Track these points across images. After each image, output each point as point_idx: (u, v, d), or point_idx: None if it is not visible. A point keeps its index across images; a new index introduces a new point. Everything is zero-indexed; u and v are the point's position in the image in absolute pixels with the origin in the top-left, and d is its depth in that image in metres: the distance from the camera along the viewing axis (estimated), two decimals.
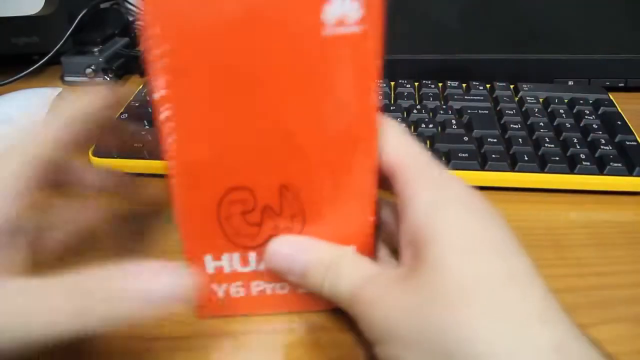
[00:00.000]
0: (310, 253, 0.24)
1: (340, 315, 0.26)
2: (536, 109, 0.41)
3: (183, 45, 0.19)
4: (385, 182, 0.25)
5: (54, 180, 0.24)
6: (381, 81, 0.45)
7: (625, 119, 0.40)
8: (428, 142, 0.38)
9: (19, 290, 0.19)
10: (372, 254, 0.25)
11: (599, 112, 0.41)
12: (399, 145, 0.23)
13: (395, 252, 0.26)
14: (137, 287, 0.19)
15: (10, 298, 0.18)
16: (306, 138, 0.21)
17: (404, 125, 0.40)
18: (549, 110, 0.41)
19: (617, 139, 0.38)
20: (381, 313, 0.20)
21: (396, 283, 0.21)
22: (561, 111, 0.41)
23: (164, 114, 0.21)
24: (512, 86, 0.45)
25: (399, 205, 0.22)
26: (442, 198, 0.21)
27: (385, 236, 0.26)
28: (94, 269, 0.19)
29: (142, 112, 0.42)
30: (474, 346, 0.17)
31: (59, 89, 0.48)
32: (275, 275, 0.25)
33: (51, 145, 0.22)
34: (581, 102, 0.42)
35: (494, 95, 0.44)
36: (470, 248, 0.19)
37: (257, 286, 0.26)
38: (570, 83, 0.48)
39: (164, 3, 0.19)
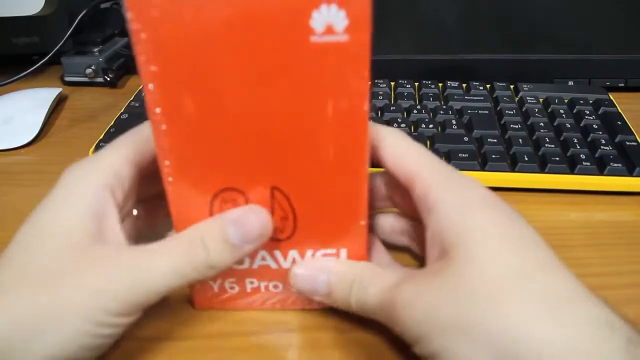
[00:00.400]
0: (332, 272, 0.24)
1: (335, 315, 0.26)
2: (536, 109, 0.41)
3: (170, 50, 0.19)
4: (396, 192, 0.27)
5: None
6: (381, 81, 0.45)
7: (625, 119, 0.40)
8: (428, 142, 0.38)
9: (131, 256, 0.22)
10: (364, 257, 0.25)
11: (599, 112, 0.41)
12: (410, 154, 0.24)
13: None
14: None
15: (124, 264, 0.22)
16: (295, 142, 0.22)
17: (405, 130, 0.40)
18: (549, 110, 0.41)
19: (617, 139, 0.38)
20: (420, 311, 0.21)
21: (429, 281, 0.21)
22: (561, 111, 0.41)
23: (155, 116, 0.21)
24: (512, 86, 0.45)
25: (421, 210, 0.24)
26: (468, 199, 0.22)
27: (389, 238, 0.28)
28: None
29: (142, 112, 0.42)
30: (515, 330, 0.18)
31: (59, 89, 0.48)
32: (267, 274, 0.25)
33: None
34: (581, 102, 0.42)
35: (494, 96, 0.44)
36: (501, 243, 0.21)
37: (250, 283, 0.26)
38: (570, 83, 0.48)
39: (149, 9, 0.19)
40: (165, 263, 0.22)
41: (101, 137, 0.39)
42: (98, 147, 0.38)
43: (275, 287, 0.26)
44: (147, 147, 0.24)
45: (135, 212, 0.26)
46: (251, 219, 0.23)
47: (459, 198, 0.22)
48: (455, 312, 0.20)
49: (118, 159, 0.24)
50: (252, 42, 0.19)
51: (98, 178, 0.23)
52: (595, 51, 0.48)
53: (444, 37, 0.48)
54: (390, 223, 0.29)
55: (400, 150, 0.25)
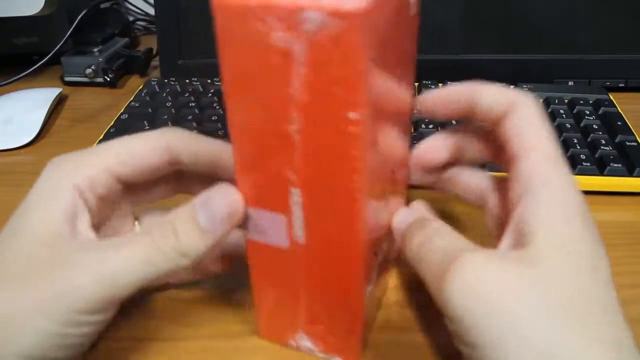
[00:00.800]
0: (414, 215, 0.24)
1: None
2: None
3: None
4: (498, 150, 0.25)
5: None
6: None
7: (626, 119, 0.40)
8: None
9: (98, 251, 0.21)
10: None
11: (599, 113, 0.41)
12: (535, 129, 0.22)
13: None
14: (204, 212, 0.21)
15: (92, 260, 0.21)
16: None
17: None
18: (549, 110, 0.41)
19: (617, 140, 0.38)
20: (487, 288, 0.19)
21: (508, 265, 0.20)
22: (561, 111, 0.41)
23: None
24: (512, 86, 0.45)
25: (513, 187, 0.22)
26: (571, 202, 0.21)
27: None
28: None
29: (142, 112, 0.42)
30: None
31: (59, 89, 0.48)
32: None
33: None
34: (581, 102, 0.42)
35: None
36: (588, 268, 0.19)
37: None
38: (570, 83, 0.48)
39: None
40: (133, 253, 0.21)
41: (101, 137, 0.39)
42: None
43: None
44: (134, 161, 0.24)
45: (137, 227, 0.26)
46: (218, 197, 0.22)
47: (562, 195, 0.21)
48: (517, 315, 0.18)
49: (95, 165, 0.23)
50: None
51: (70, 180, 0.23)
52: (595, 51, 0.48)
53: (444, 37, 0.48)
54: (468, 179, 0.27)
55: (529, 120, 0.22)
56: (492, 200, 0.25)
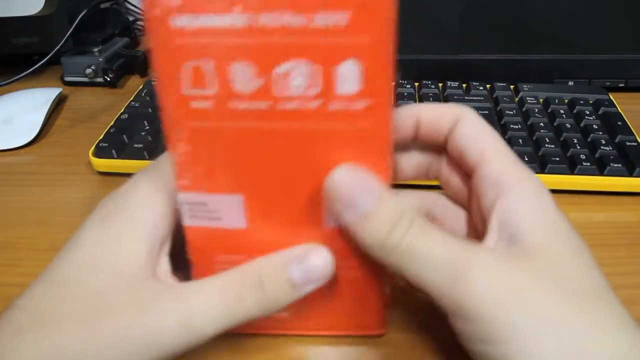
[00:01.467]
0: (382, 192, 0.21)
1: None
2: (536, 110, 0.41)
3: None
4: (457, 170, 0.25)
5: None
6: None
7: (626, 120, 0.40)
8: None
9: (181, 297, 0.21)
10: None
11: (599, 113, 0.41)
12: (488, 136, 0.23)
13: None
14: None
15: (173, 302, 0.20)
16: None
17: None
18: (549, 110, 0.41)
19: (617, 140, 0.38)
20: (508, 287, 0.19)
21: (512, 262, 0.20)
22: (561, 111, 0.41)
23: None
24: (512, 86, 0.45)
25: (486, 191, 0.22)
26: (544, 196, 0.22)
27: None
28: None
29: (142, 112, 0.42)
30: (589, 344, 0.18)
31: (59, 89, 0.48)
32: None
33: None
34: (581, 102, 0.42)
35: (494, 96, 0.44)
36: (577, 251, 0.21)
37: None
38: (571, 83, 0.48)
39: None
40: (214, 306, 0.20)
41: (101, 137, 0.39)
42: (98, 147, 0.38)
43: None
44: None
45: None
46: (315, 256, 0.21)
47: (535, 190, 0.22)
48: (543, 306, 0.19)
49: (168, 187, 0.22)
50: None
51: (159, 205, 0.22)
52: (595, 51, 0.48)
53: (444, 37, 0.48)
54: (411, 202, 0.26)
55: (479, 128, 0.23)
56: (444, 214, 0.26)
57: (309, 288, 0.21)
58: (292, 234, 0.22)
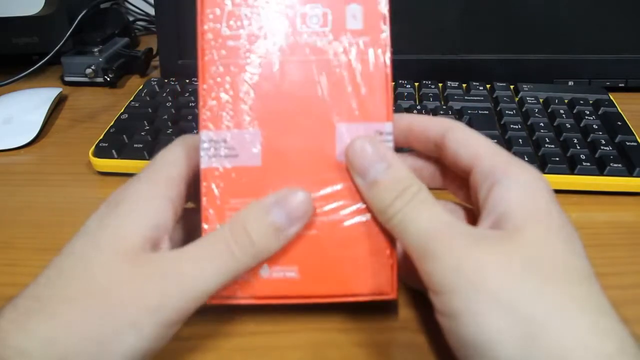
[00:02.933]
0: (393, 165, 0.23)
1: (338, 315, 0.26)
2: (536, 110, 0.41)
3: None
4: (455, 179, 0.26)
5: None
6: None
7: (626, 120, 0.40)
8: None
9: (175, 261, 0.22)
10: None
11: (599, 113, 0.41)
12: (479, 138, 0.24)
13: None
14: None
15: (170, 271, 0.21)
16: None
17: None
18: (549, 110, 0.41)
19: (617, 140, 0.38)
20: (470, 268, 0.20)
21: (488, 242, 0.21)
22: (561, 111, 0.41)
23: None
24: (512, 86, 0.45)
25: (481, 186, 0.23)
26: (537, 186, 0.22)
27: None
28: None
29: (142, 112, 0.42)
30: (558, 321, 0.18)
31: (59, 89, 0.48)
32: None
33: None
34: (581, 102, 0.42)
35: (494, 96, 0.44)
36: (563, 237, 0.21)
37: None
38: (571, 83, 0.48)
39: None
40: (208, 264, 0.21)
41: (101, 137, 0.39)
42: (98, 147, 0.38)
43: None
44: (194, 161, 0.24)
45: None
46: (292, 197, 0.22)
47: (528, 180, 0.22)
48: (506, 283, 0.19)
49: (178, 171, 0.24)
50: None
51: (163, 189, 0.23)
52: (595, 51, 0.48)
53: (444, 37, 0.48)
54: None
55: (469, 134, 0.24)
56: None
57: (293, 229, 0.23)
58: (305, 172, 0.24)
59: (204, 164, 0.24)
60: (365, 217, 0.24)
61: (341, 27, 0.24)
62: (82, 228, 0.23)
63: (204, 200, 0.24)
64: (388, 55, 0.24)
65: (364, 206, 0.24)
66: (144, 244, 0.22)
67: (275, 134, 0.24)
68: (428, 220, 0.22)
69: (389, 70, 0.24)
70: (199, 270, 0.21)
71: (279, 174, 0.24)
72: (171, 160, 0.24)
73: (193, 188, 0.24)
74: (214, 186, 0.24)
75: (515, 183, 0.22)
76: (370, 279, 0.24)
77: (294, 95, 0.24)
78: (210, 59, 0.24)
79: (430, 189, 0.25)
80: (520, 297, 0.19)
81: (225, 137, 0.24)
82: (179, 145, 0.25)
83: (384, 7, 0.24)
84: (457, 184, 0.26)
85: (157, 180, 0.23)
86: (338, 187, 0.24)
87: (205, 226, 0.24)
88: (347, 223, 0.24)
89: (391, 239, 0.24)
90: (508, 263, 0.20)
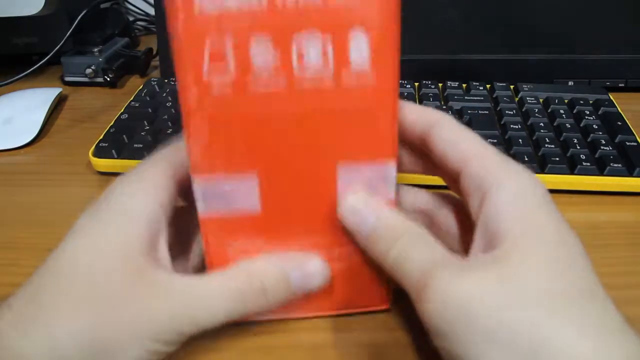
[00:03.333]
0: (381, 217, 0.23)
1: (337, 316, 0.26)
2: (536, 110, 0.41)
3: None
4: (449, 178, 0.25)
5: None
6: None
7: (626, 120, 0.40)
8: None
9: (186, 288, 0.22)
10: None
11: (599, 113, 0.41)
12: (466, 137, 0.23)
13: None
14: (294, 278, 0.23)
15: (179, 296, 0.21)
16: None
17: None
18: (549, 110, 0.41)
19: (617, 140, 0.38)
20: (457, 302, 0.19)
21: (476, 273, 0.19)
22: (561, 111, 0.41)
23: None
24: (512, 86, 0.45)
25: (471, 192, 0.22)
26: (530, 193, 0.21)
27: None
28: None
29: (142, 112, 0.42)
30: (559, 349, 0.17)
31: (59, 89, 0.48)
32: None
33: None
34: (581, 102, 0.42)
35: (494, 96, 0.44)
36: (560, 255, 0.20)
37: None
38: (570, 83, 0.48)
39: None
40: (221, 305, 0.22)
41: (101, 137, 0.39)
42: (98, 147, 0.38)
43: None
44: (184, 170, 0.24)
45: None
46: (313, 268, 0.24)
47: (520, 189, 0.21)
48: (496, 316, 0.18)
49: (167, 173, 0.23)
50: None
51: (154, 194, 0.23)
52: (595, 51, 0.48)
53: (444, 37, 0.48)
54: (412, 199, 0.27)
55: (455, 131, 0.23)
56: (439, 216, 0.26)
57: (304, 292, 0.24)
58: (306, 213, 0.23)
59: (200, 209, 0.23)
60: (364, 250, 0.24)
61: (344, 63, 0.20)
62: (75, 228, 0.22)
63: (204, 244, 0.24)
64: (397, 94, 0.21)
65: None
66: (146, 249, 0.21)
67: (273, 177, 0.22)
68: (419, 260, 0.21)
69: (396, 109, 0.22)
70: (209, 308, 0.22)
71: (279, 216, 0.23)
72: (159, 160, 0.24)
73: (184, 185, 0.24)
74: (212, 231, 0.23)
75: (506, 195, 0.21)
76: (366, 293, 0.25)
77: (292, 134, 0.21)
78: (196, 107, 0.21)
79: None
80: (518, 330, 0.18)
81: (221, 183, 0.22)
82: (169, 148, 0.25)
83: (394, 34, 0.20)
84: (450, 177, 0.25)
85: (148, 182, 0.23)
86: (339, 227, 0.23)
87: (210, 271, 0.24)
88: (347, 256, 0.24)
89: None
90: (499, 292, 0.19)
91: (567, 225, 0.21)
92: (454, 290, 0.19)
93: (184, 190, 0.24)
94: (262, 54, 0.20)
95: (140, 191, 0.23)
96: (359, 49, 0.20)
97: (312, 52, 0.20)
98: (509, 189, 0.21)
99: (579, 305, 0.18)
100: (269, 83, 0.20)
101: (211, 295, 0.22)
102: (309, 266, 0.24)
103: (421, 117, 0.24)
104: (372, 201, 0.23)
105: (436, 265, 0.20)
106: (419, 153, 0.26)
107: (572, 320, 0.18)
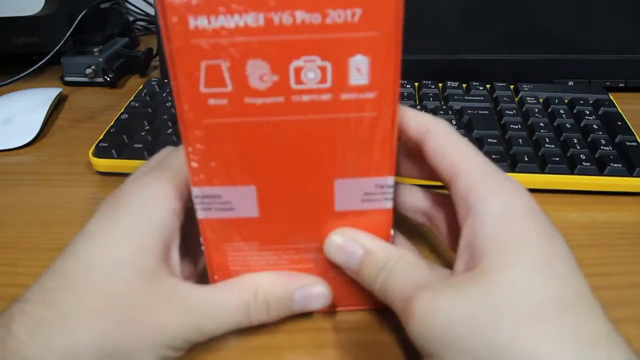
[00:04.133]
0: (367, 248, 0.23)
1: (337, 315, 0.26)
2: (536, 109, 0.41)
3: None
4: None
5: None
6: None
7: (626, 120, 0.40)
8: None
9: (199, 299, 0.23)
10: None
11: (599, 113, 0.41)
12: (457, 147, 0.23)
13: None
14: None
15: (193, 307, 0.22)
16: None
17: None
18: (549, 110, 0.41)
19: (617, 140, 0.38)
20: (438, 323, 0.19)
21: (455, 292, 0.20)
22: (561, 111, 0.41)
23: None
24: (512, 86, 0.45)
25: (459, 207, 0.22)
26: (511, 208, 0.21)
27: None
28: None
29: (142, 112, 0.42)
30: None
31: (59, 89, 0.48)
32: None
33: None
34: (581, 102, 0.42)
35: (494, 96, 0.44)
36: (538, 266, 0.19)
37: None
38: (570, 83, 0.48)
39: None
40: (229, 316, 0.23)
41: (101, 137, 0.39)
42: (98, 147, 0.38)
43: None
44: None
45: None
46: (316, 291, 0.24)
47: (502, 205, 0.21)
48: (477, 336, 0.18)
49: (182, 178, 0.23)
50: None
51: (168, 200, 0.23)
52: (595, 51, 0.48)
53: (444, 37, 0.48)
54: (412, 199, 0.27)
55: (447, 142, 0.23)
56: (438, 217, 0.26)
57: (303, 312, 0.25)
58: (304, 220, 0.23)
59: (200, 215, 0.23)
60: None
61: (343, 83, 0.20)
62: (87, 231, 0.22)
63: (204, 245, 0.24)
64: (396, 111, 0.21)
65: None
66: (162, 260, 0.22)
67: (271, 189, 0.22)
68: (402, 284, 0.22)
69: (395, 127, 0.21)
70: (218, 320, 0.23)
71: (277, 222, 0.23)
72: (176, 164, 0.24)
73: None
74: (213, 234, 0.24)
75: (487, 213, 0.21)
76: (362, 294, 0.25)
77: (290, 150, 0.21)
78: (194, 119, 0.21)
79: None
80: (500, 350, 0.18)
81: (219, 193, 0.22)
82: (172, 158, 0.25)
83: (395, 58, 0.20)
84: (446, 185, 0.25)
85: (164, 188, 0.23)
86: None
87: (215, 277, 0.25)
88: None
89: None
90: (479, 312, 0.19)
91: (553, 232, 0.21)
92: (434, 311, 0.19)
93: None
94: (258, 76, 0.20)
95: (155, 196, 0.23)
96: (359, 68, 0.20)
97: (310, 74, 0.20)
98: (490, 206, 0.21)
99: (562, 318, 0.18)
100: (265, 100, 0.20)
101: (221, 309, 0.23)
102: (313, 289, 0.25)
103: (418, 123, 0.24)
104: (355, 235, 0.24)
105: (418, 287, 0.21)
106: (416, 159, 0.26)
107: (553, 336, 0.18)
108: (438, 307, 0.19)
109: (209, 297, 0.23)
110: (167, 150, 0.28)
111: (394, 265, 0.23)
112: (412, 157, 0.26)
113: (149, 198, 0.22)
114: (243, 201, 0.23)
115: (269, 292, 0.24)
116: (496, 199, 0.21)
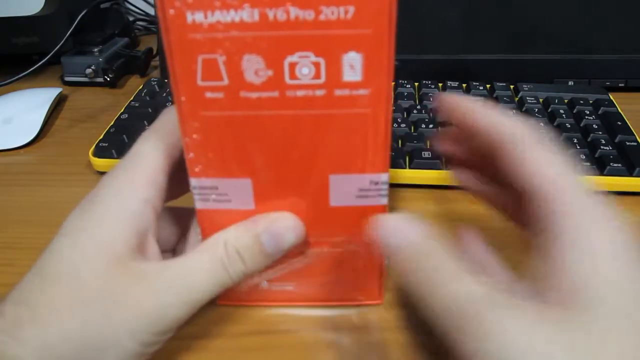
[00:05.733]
0: (418, 236, 0.21)
1: (348, 315, 0.26)
2: (536, 109, 0.41)
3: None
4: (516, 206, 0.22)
5: None
6: None
7: (626, 119, 0.40)
8: (428, 142, 0.38)
9: (168, 272, 0.22)
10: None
11: (599, 113, 0.41)
12: (548, 165, 0.20)
13: None
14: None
15: (164, 282, 0.22)
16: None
17: (405, 130, 0.40)
18: (549, 110, 0.41)
19: (617, 139, 0.38)
20: (521, 348, 0.17)
21: (552, 324, 0.17)
22: (561, 111, 0.41)
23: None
24: (512, 86, 0.45)
25: (541, 233, 0.19)
26: (619, 247, 0.18)
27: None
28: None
29: (141, 112, 0.42)
30: None
31: (59, 89, 0.48)
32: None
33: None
34: (581, 102, 0.42)
35: (494, 95, 0.44)
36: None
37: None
38: (570, 83, 0.48)
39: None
40: (206, 278, 0.22)
41: (101, 137, 0.39)
42: (98, 147, 0.38)
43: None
44: (176, 148, 0.24)
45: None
46: (281, 226, 0.23)
47: (611, 244, 0.18)
48: None
49: (155, 166, 0.23)
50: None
51: (140, 191, 0.23)
52: (595, 51, 0.48)
53: (444, 37, 0.48)
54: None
55: (540, 148, 0.21)
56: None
57: (281, 252, 0.24)
58: (299, 214, 0.24)
59: (198, 206, 0.23)
60: (355, 247, 0.25)
61: (336, 79, 0.20)
62: (61, 230, 0.22)
63: (201, 233, 0.24)
64: (390, 109, 0.21)
65: (355, 240, 0.24)
66: (129, 249, 0.21)
67: (266, 182, 0.23)
68: (463, 291, 0.19)
69: (389, 124, 0.21)
70: (197, 284, 0.22)
71: (273, 211, 0.24)
72: (147, 152, 0.24)
73: (176, 177, 0.24)
74: (210, 224, 0.24)
75: (590, 248, 0.18)
76: (359, 288, 0.26)
77: (284, 144, 0.22)
78: (191, 110, 0.21)
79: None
80: None
81: (216, 185, 0.23)
82: (155, 131, 0.24)
83: (388, 55, 0.20)
84: (510, 192, 0.22)
85: (134, 178, 0.23)
86: (330, 226, 0.24)
87: None
88: (339, 250, 0.25)
89: (380, 255, 0.25)
90: (576, 352, 0.17)
91: None
92: (520, 338, 0.17)
93: (181, 164, 0.23)
94: (253, 70, 0.20)
95: (125, 189, 0.23)
96: (352, 65, 0.20)
97: (304, 70, 0.20)
98: (588, 241, 0.18)
99: None
100: (261, 94, 0.20)
101: (196, 273, 0.22)
102: (277, 226, 0.23)
103: (494, 127, 0.22)
104: (406, 223, 0.21)
105: (483, 303, 0.18)
106: (472, 163, 0.25)
107: None
108: (536, 336, 0.17)
109: (180, 268, 0.22)
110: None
111: (451, 268, 0.20)
112: (469, 164, 0.25)
113: (118, 191, 0.23)
114: (239, 193, 0.23)
115: (236, 242, 0.23)
116: (595, 230, 0.19)
